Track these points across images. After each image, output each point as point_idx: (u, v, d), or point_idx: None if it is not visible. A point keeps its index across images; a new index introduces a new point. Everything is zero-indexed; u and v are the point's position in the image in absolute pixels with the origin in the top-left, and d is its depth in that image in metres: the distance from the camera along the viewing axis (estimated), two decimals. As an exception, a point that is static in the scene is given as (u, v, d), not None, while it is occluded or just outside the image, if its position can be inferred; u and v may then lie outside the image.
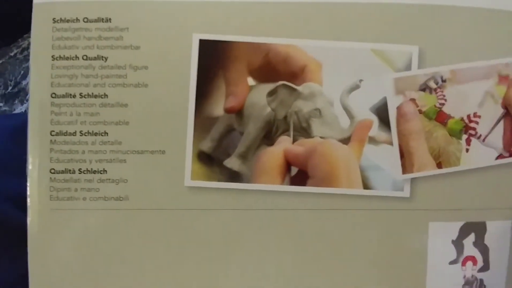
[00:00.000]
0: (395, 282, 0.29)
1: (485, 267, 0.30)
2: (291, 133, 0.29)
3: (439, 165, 0.29)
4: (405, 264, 0.29)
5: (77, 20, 0.29)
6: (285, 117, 0.29)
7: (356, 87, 0.29)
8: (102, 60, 0.29)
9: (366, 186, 0.29)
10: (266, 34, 0.29)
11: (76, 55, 0.29)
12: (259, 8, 0.29)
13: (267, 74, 0.29)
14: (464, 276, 0.30)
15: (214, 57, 0.29)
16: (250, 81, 0.30)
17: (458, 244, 0.30)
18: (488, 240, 0.30)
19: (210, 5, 0.29)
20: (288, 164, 0.28)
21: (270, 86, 0.29)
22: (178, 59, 0.28)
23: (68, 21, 0.29)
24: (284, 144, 0.29)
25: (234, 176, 0.29)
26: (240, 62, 0.29)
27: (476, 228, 0.30)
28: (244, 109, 0.29)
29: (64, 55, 0.29)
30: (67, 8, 0.29)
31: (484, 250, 0.30)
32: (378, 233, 0.29)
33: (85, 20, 0.29)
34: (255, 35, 0.29)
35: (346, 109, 0.29)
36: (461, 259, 0.30)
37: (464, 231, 0.30)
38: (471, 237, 0.30)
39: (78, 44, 0.29)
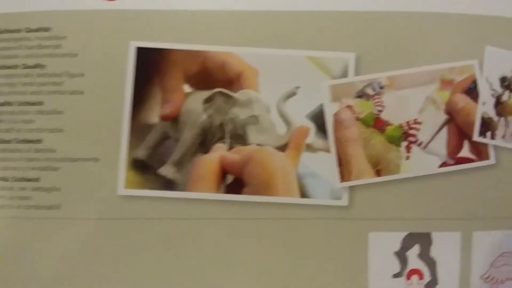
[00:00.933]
0: (336, 296, 0.29)
1: (433, 282, 0.29)
2: (227, 140, 0.29)
3: (378, 173, 0.29)
4: (346, 276, 0.29)
5: (19, 30, 0.30)
6: (221, 124, 0.29)
7: (292, 94, 0.29)
8: (40, 68, 0.29)
9: (303, 194, 0.29)
10: (203, 42, 0.29)
11: (16, 64, 0.30)
12: (196, 16, 0.29)
13: (204, 81, 0.29)
14: (410, 291, 0.29)
15: (150, 65, 0.29)
16: (187, 88, 0.30)
17: (401, 256, 0.29)
18: (434, 252, 0.29)
19: (147, 14, 0.30)
20: (223, 172, 0.28)
21: (206, 93, 0.29)
22: (115, 66, 0.29)
23: (10, 31, 0.30)
24: (219, 151, 0.29)
25: (168, 184, 0.29)
26: (176, 69, 0.29)
27: (420, 239, 0.29)
28: (179, 116, 0.29)
29: (5, 65, 0.30)
30: (11, 19, 0.30)
31: (431, 263, 0.29)
32: (317, 243, 0.29)
33: (27, 30, 0.30)
34: (192, 43, 0.29)
35: (283, 116, 0.29)
36: (405, 272, 0.29)
37: (407, 242, 0.29)
38: (415, 249, 0.29)
39: (18, 53, 0.30)
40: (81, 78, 0.29)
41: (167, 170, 0.29)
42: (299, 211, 0.29)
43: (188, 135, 0.29)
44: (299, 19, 0.29)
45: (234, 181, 0.29)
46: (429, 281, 0.29)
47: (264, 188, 0.28)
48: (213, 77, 0.29)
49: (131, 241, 0.29)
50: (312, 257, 0.29)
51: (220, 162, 0.28)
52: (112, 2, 0.30)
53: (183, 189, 0.29)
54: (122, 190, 0.28)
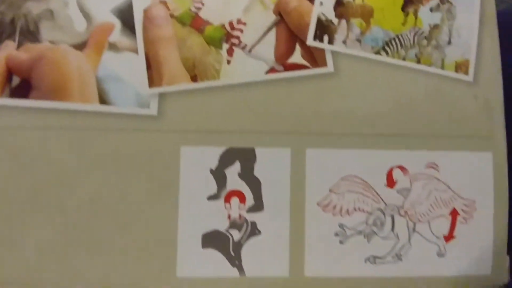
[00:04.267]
0: (142, 218, 0.25)
1: (258, 207, 0.26)
2: (17, 37, 0.26)
3: (194, 79, 0.26)
4: (154, 198, 0.26)
5: None
6: (13, 20, 0.26)
7: (96, -15, 0.26)
8: None
9: (103, 100, 0.26)
10: None
11: None
12: None
13: (-6, -29, 0.27)
14: (229, 216, 0.26)
15: None
16: (-27, -22, 0.27)
17: (218, 174, 0.26)
18: (259, 171, 0.26)
19: None
20: (9, 73, 0.26)
21: (-4, -15, 0.26)
22: None
23: None
24: (7, 50, 0.26)
25: None
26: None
27: (242, 156, 0.26)
28: (-38, 10, 0.27)
29: None
30: None
31: (254, 184, 0.26)
32: (119, 157, 0.26)
33: None
34: None
35: (83, 10, 0.26)
36: (223, 194, 0.26)
37: (226, 159, 0.26)
38: (236, 167, 0.26)
39: None
40: None
41: None
42: (98, 120, 0.26)
43: (-29, 31, 0.26)
44: None
45: (21, 83, 0.26)
46: (253, 206, 0.26)
47: (56, 92, 0.25)
48: (5, -34, 0.27)
49: None
50: (114, 175, 0.26)
51: (6, 62, 0.25)
52: None
53: (-40, 93, 0.26)
54: None
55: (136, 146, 0.26)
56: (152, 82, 0.26)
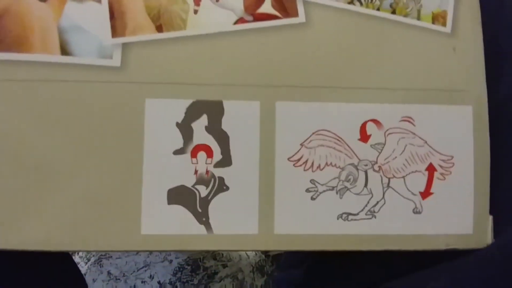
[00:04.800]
0: (105, 173, 0.25)
1: (225, 162, 0.25)
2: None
3: (159, 29, 0.25)
4: (118, 152, 0.25)
5: None
6: None
7: None
8: None
9: (65, 52, 0.25)
10: None
11: None
12: None
13: None
14: (196, 171, 0.25)
15: None
16: None
17: (185, 128, 0.25)
18: (227, 125, 0.25)
19: None
20: (-29, 26, 0.25)
21: None
22: None
23: None
24: (-30, 2, 0.25)
25: None
26: None
27: (210, 109, 0.25)
28: None
29: None
30: None
31: (222, 138, 0.25)
32: (82, 110, 0.25)
33: None
34: None
35: (45, -40, 0.25)
36: (189, 149, 0.25)
37: (192, 112, 0.25)
38: (203, 120, 0.25)
39: None
40: None
41: None
42: (60, 71, 0.25)
43: None
44: None
45: (-17, 36, 0.25)
46: (220, 160, 0.25)
47: (18, 44, 0.25)
48: None
49: None
50: (76, 127, 0.25)
51: (-31, 14, 0.25)
52: None
53: None
54: None
55: (98, 99, 0.25)
56: (115, 32, 0.25)
